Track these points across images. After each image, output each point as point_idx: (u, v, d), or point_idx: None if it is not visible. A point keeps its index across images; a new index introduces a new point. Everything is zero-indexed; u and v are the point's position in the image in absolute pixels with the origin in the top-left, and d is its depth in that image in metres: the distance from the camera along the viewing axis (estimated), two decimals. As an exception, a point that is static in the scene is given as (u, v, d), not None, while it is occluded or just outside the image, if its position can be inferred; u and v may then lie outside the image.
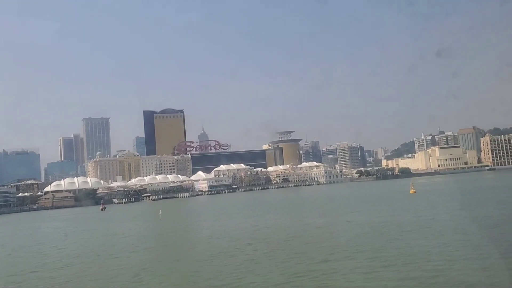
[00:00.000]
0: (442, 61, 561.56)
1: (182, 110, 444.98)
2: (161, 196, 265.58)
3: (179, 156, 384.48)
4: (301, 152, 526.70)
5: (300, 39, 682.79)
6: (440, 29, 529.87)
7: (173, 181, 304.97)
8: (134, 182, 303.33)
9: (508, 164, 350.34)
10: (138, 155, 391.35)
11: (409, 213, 68.29)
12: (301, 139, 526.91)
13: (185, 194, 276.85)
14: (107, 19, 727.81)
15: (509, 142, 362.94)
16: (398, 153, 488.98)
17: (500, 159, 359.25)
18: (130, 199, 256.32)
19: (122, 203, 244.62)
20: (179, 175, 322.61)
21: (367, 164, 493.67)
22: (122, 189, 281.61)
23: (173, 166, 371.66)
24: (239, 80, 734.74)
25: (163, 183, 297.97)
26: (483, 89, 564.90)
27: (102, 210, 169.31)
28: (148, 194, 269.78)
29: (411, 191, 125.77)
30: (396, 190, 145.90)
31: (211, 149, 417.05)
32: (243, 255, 39.37)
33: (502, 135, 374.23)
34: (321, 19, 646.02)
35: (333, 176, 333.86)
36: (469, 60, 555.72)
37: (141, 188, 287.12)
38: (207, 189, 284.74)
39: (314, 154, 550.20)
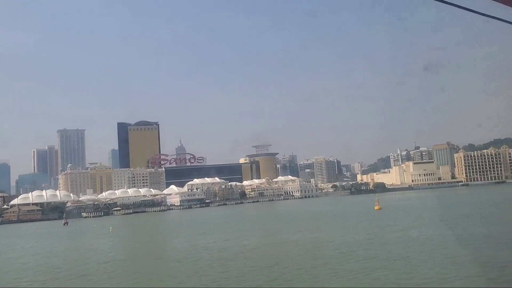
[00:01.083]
0: (430, 76, 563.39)
1: (157, 122, 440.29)
2: (131, 210, 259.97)
3: (153, 169, 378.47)
4: (278, 166, 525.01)
5: (290, 52, 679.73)
6: (427, 44, 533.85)
7: (145, 195, 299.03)
8: (104, 195, 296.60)
9: (481, 180, 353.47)
10: (110, 168, 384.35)
11: (360, 232, 66.69)
12: (278, 153, 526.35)
13: (156, 208, 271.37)
14: (92, 30, 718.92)
15: (483, 158, 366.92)
16: (374, 168, 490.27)
17: (473, 175, 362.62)
18: (99, 213, 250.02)
19: (90, 217, 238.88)
20: (151, 189, 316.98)
21: (344, 179, 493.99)
22: (92, 202, 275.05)
23: (146, 179, 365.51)
24: (226, 92, 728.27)
25: (134, 196, 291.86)
26: (469, 104, 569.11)
27: (64, 224, 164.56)
28: (119, 208, 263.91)
29: (376, 208, 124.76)
30: (363, 206, 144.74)
31: (186, 163, 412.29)
32: (152, 281, 36.45)
33: (476, 151, 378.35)
34: (312, 31, 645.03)
35: (308, 190, 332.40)
36: (456, 75, 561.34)
37: (111, 202, 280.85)
38: (179, 204, 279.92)
39: (292, 168, 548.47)
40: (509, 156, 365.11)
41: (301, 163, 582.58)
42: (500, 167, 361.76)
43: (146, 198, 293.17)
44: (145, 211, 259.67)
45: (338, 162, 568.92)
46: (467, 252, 44.69)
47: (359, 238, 58.48)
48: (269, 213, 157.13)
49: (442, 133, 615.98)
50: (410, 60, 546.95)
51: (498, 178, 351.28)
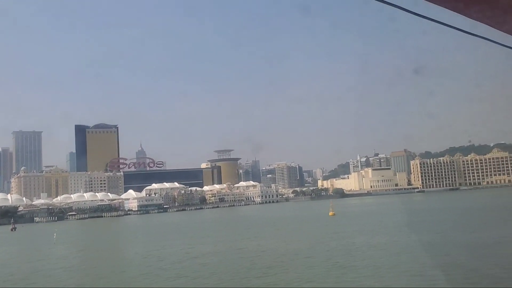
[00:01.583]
0: (420, 79, 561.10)
1: (117, 125, 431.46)
2: (87, 215, 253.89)
3: (111, 173, 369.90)
4: (240, 171, 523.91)
5: (282, 49, 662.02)
6: (417, 46, 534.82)
7: (102, 200, 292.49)
8: (59, 199, 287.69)
9: (437, 187, 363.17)
10: (66, 171, 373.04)
11: (307, 239, 66.43)
12: (240, 158, 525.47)
13: (113, 213, 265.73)
14: (46, 26, 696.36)
15: (438, 166, 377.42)
16: (335, 174, 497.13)
17: (429, 181, 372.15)
18: (53, 218, 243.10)
19: (43, 222, 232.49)
20: (109, 193, 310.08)
21: (306, 184, 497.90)
22: (46, 207, 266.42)
23: (105, 183, 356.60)
24: (213, 92, 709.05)
25: (90, 201, 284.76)
26: (455, 109, 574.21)
27: (12, 230, 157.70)
28: (74, 213, 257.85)
29: (330, 213, 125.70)
30: (319, 212, 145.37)
31: (146, 167, 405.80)
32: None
33: (431, 159, 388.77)
34: (305, 29, 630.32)
35: (269, 195, 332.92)
36: (443, 80, 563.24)
37: (66, 206, 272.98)
38: (137, 209, 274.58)
39: (254, 173, 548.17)
40: (463, 164, 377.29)
41: (263, 168, 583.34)
42: (454, 174, 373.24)
43: (103, 203, 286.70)
44: (101, 216, 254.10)
45: (300, 167, 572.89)
46: (409, 260, 44.79)
47: (304, 245, 58.07)
48: (225, 219, 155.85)
49: (433, 138, 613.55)
50: (401, 62, 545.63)
51: (452, 185, 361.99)
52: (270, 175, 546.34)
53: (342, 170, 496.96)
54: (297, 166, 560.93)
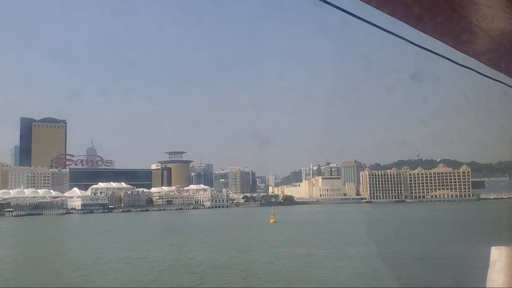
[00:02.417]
0: (416, 85, 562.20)
1: (65, 120, 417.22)
2: (25, 212, 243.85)
3: (56, 170, 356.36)
4: (192, 174, 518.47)
5: (292, 44, 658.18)
6: (415, 52, 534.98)
7: (44, 196, 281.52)
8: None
9: (383, 198, 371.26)
10: (7, 165, 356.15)
11: (232, 248, 65.03)
12: (192, 161, 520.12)
13: (54, 211, 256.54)
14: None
15: (386, 178, 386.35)
16: (287, 181, 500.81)
17: (376, 192, 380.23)
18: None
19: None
20: (51, 190, 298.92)
21: (258, 190, 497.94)
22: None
23: (48, 180, 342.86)
24: (147, 97, 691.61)
25: (31, 197, 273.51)
26: (444, 118, 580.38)
27: None
28: (12, 209, 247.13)
29: (271, 221, 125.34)
30: (262, 218, 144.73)
31: (93, 164, 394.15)
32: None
33: (380, 171, 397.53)
34: (318, 22, 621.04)
35: (219, 200, 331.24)
36: (435, 88, 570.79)
37: (4, 202, 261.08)
38: (80, 207, 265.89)
39: (207, 177, 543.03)
40: (410, 177, 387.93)
41: (216, 172, 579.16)
42: (401, 187, 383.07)
43: (45, 200, 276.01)
44: (41, 214, 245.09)
45: (253, 173, 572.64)
46: (327, 274, 44.05)
47: (225, 255, 56.58)
48: (165, 222, 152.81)
49: (424, 146, 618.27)
50: (401, 66, 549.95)
51: (399, 197, 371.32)
52: (223, 180, 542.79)
53: (295, 178, 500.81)
54: (250, 171, 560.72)
